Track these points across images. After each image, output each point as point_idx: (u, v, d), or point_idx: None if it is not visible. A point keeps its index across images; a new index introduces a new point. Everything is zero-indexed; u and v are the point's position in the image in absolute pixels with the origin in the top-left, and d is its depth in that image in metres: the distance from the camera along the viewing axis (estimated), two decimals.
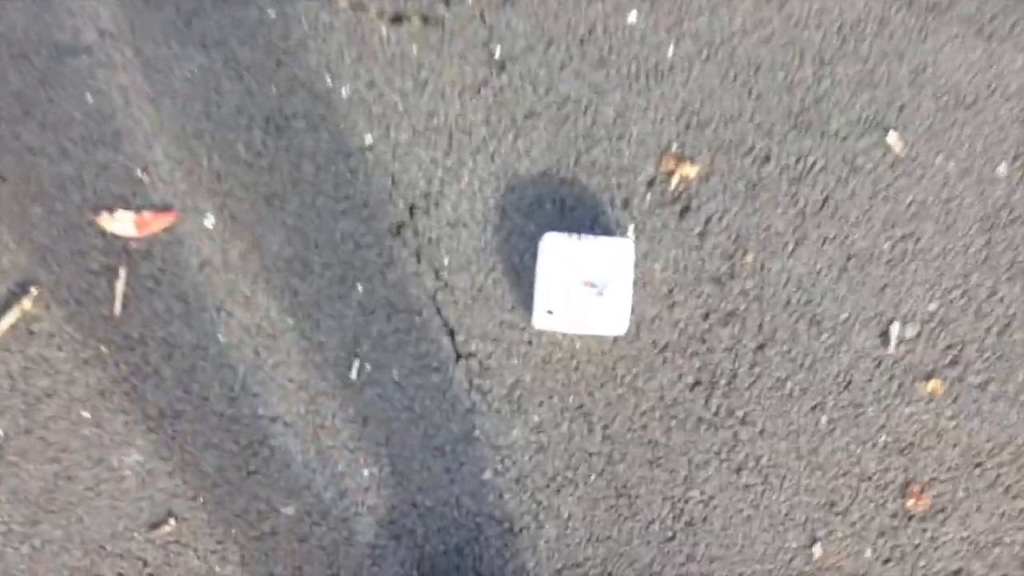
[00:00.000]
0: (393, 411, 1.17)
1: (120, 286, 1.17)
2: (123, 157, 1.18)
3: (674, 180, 1.18)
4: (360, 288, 1.17)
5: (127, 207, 1.17)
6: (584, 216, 1.19)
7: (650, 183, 1.19)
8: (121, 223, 1.17)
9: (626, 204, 1.19)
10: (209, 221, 1.18)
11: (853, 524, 1.18)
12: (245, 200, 1.19)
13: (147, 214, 1.17)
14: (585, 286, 1.09)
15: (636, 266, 1.16)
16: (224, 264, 1.18)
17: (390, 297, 1.17)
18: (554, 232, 1.11)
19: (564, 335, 1.16)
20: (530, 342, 1.17)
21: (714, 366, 1.18)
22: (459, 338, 1.17)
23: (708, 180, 1.19)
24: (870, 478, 1.19)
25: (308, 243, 1.18)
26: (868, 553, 1.18)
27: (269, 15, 1.22)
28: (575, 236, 1.10)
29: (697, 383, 1.18)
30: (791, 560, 1.18)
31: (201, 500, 1.15)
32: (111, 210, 1.17)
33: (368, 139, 1.21)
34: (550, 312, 1.08)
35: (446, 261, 1.18)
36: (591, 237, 1.10)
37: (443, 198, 1.19)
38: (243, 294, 1.17)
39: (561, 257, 1.08)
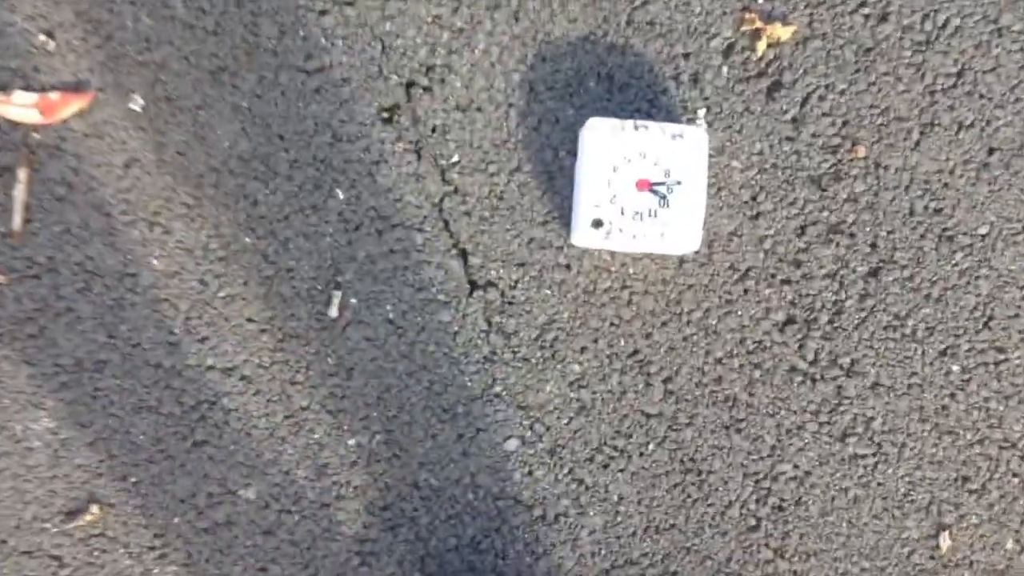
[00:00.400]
0: (387, 360, 0.98)
1: (20, 193, 0.97)
2: (20, 18, 0.97)
3: (760, 46, 1.00)
4: (341, 195, 0.98)
5: (27, 86, 0.98)
6: (640, 96, 0.99)
7: (728, 50, 1.00)
8: (19, 108, 0.97)
9: (696, 80, 0.99)
10: (137, 103, 0.98)
11: (991, 506, 1.00)
12: (185, 75, 0.98)
13: (54, 95, 0.97)
14: (643, 191, 0.92)
15: (710, 164, 0.99)
16: (158, 162, 0.97)
17: (381, 207, 0.98)
18: (600, 117, 0.94)
19: (614, 256, 0.99)
20: (568, 267, 0.99)
21: (812, 298, 0.99)
22: (474, 261, 0.99)
23: (806, 46, 1.00)
24: (1015, 445, 1.01)
25: (270, 134, 0.98)
26: (1010, 544, 1.01)
27: None
28: (628, 123, 0.93)
29: (789, 321, 0.99)
30: (910, 554, 1.00)
31: (133, 480, 0.98)
32: (6, 90, 0.97)
33: None
34: (596, 225, 0.92)
35: (456, 158, 0.99)
36: (650, 124, 0.93)
37: (451, 72, 0.99)
38: (184, 203, 0.98)
39: (610, 151, 0.93)
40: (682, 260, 0.98)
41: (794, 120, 0.99)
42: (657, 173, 0.92)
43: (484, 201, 0.98)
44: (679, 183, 0.92)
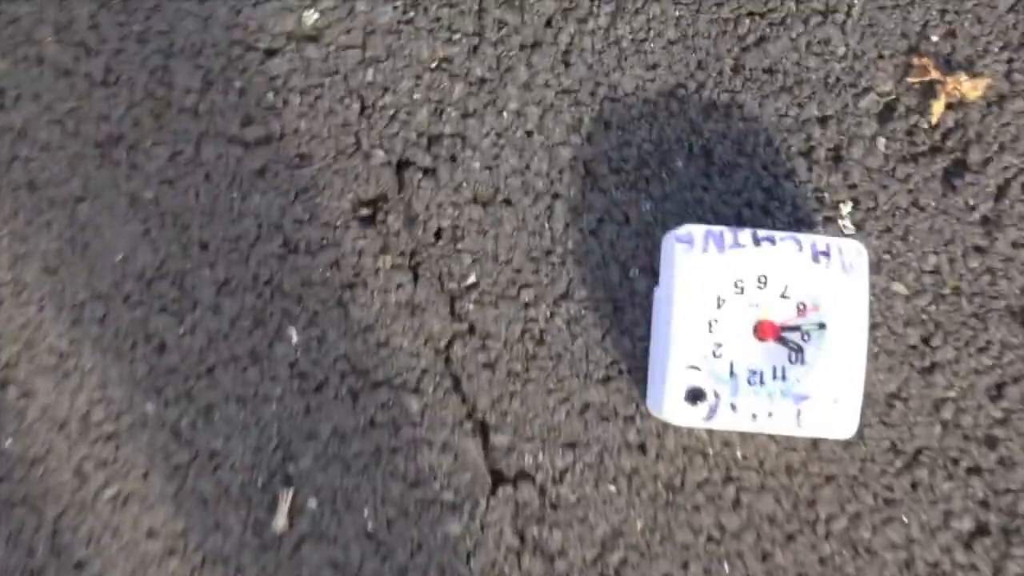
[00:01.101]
0: None
1: None
2: None
3: (936, 108, 0.79)
4: (295, 336, 0.75)
5: None
6: (752, 181, 0.77)
7: (886, 113, 0.79)
8: None
9: (838, 157, 0.78)
10: None
11: None
12: (57, 148, 0.74)
13: None
14: (766, 339, 0.68)
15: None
16: (14, 285, 0.73)
17: (355, 354, 0.75)
18: (696, 224, 0.72)
19: (712, 433, 0.76)
20: (643, 448, 0.74)
21: (1015, 497, 0.75)
22: (498, 441, 0.75)
23: (1003, 108, 0.80)
24: None
25: (187, 241, 0.75)
26: None
27: None
28: (745, 234, 0.70)
29: (981, 531, 0.74)
30: None
31: None
32: None
33: (313, 16, 0.77)
34: (694, 399, 0.67)
35: (472, 279, 0.78)
36: (778, 236, 0.70)
37: (465, 146, 0.78)
38: (53, 349, 0.74)
39: (712, 275, 0.70)
40: (817, 442, 0.73)
41: (986, 221, 0.76)
42: (787, 310, 0.66)
43: (515, 346, 0.73)
44: (822, 327, 0.66)
